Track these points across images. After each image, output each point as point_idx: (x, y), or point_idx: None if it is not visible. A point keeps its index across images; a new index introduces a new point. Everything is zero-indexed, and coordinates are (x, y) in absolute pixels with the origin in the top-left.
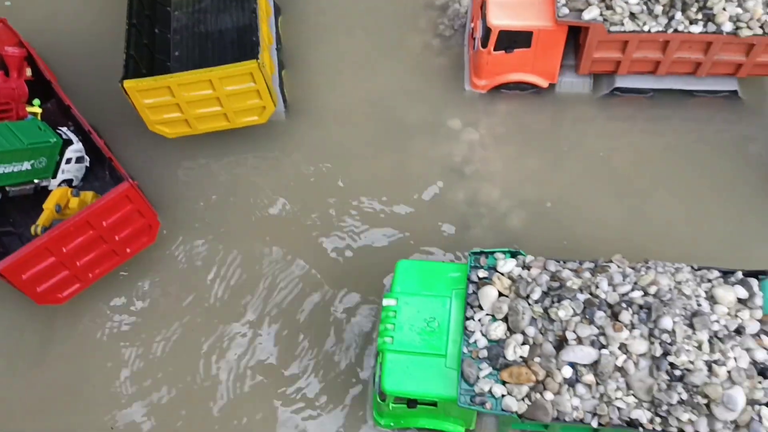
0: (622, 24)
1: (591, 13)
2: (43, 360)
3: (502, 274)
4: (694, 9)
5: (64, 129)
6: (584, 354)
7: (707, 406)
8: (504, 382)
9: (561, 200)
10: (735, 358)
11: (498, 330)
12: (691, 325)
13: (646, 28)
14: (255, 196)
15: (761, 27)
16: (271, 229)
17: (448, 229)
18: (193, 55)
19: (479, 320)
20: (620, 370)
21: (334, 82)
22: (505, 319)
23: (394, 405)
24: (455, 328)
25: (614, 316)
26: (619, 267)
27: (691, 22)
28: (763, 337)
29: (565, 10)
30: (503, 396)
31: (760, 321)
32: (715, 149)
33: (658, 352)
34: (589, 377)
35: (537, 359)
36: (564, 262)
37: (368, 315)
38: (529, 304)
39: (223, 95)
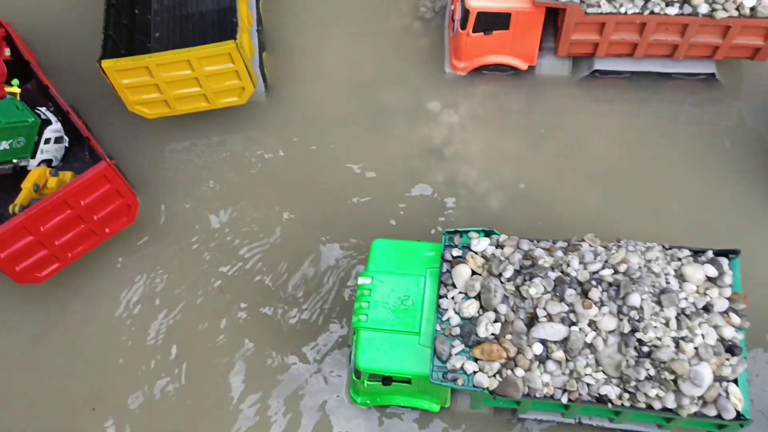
0: (599, 6)
1: None
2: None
3: (476, 252)
4: None
5: (43, 109)
6: (554, 331)
7: (674, 381)
8: (476, 359)
9: (539, 181)
10: (702, 335)
11: (471, 308)
12: (659, 303)
13: (622, 10)
14: (237, 175)
15: (737, 9)
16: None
17: (426, 209)
18: (173, 36)
19: (452, 298)
20: (590, 346)
21: (315, 64)
22: (478, 297)
23: (369, 382)
24: (429, 306)
25: (584, 294)
26: (591, 246)
27: (667, 4)
28: (731, 314)
29: None
30: (475, 372)
31: (728, 299)
32: (692, 131)
33: (627, 328)
34: (559, 354)
35: (508, 336)
36: (537, 241)
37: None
38: (502, 282)
39: (201, 76)
